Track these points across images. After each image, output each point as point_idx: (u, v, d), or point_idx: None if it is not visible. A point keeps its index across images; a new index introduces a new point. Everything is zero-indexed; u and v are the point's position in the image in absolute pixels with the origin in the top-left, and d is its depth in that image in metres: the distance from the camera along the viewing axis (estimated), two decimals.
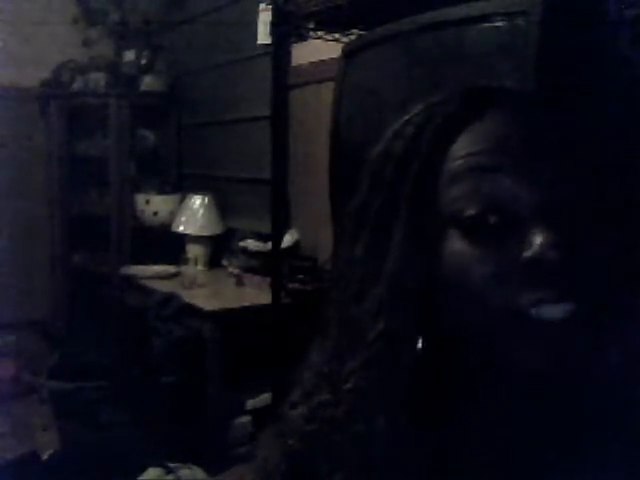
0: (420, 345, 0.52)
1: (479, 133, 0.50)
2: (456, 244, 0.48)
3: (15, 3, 3.41)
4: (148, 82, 3.55)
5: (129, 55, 3.61)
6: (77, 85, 3.55)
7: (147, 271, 3.00)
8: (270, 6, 1.71)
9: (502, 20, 0.87)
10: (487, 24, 0.89)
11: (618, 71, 0.79)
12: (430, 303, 0.50)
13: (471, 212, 0.48)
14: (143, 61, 3.59)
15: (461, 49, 0.93)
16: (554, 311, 0.45)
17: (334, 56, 1.52)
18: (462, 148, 0.50)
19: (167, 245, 3.20)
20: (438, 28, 0.98)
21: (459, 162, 0.49)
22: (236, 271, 2.74)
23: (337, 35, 1.61)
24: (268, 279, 1.82)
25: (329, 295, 0.56)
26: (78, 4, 3.63)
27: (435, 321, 0.50)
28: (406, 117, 0.55)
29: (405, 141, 0.53)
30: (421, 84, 0.99)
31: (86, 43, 3.68)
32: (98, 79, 3.51)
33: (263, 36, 2.69)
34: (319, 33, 1.63)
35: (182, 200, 3.24)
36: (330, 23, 1.57)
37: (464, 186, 0.48)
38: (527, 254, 0.45)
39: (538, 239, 0.45)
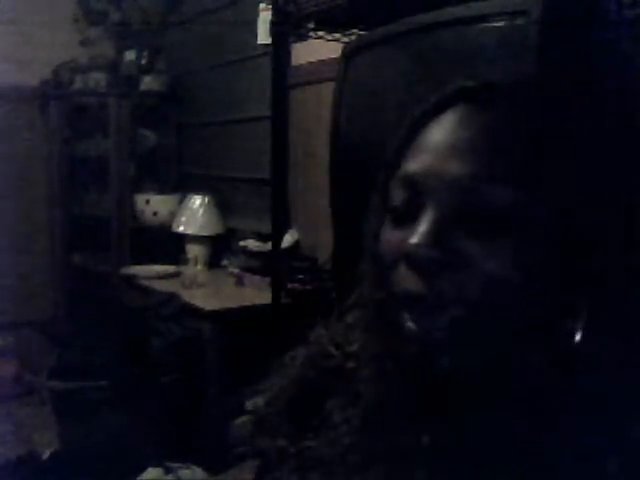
0: None
1: (422, 135, 0.54)
2: (385, 228, 0.54)
3: (15, 3, 3.41)
4: (148, 82, 3.55)
5: (129, 55, 3.61)
6: (77, 85, 3.55)
7: (147, 271, 3.00)
8: (270, 6, 1.71)
9: (502, 20, 0.87)
10: (487, 24, 0.89)
11: (618, 71, 0.79)
12: None
13: (394, 202, 0.53)
14: (143, 61, 3.59)
15: (461, 49, 0.93)
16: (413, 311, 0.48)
17: (334, 56, 1.52)
18: (412, 147, 0.54)
19: (167, 245, 3.20)
20: (438, 28, 0.98)
21: (404, 157, 0.54)
22: (236, 271, 2.74)
23: (337, 35, 1.61)
24: (268, 279, 1.83)
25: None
26: (78, 4, 3.63)
27: None
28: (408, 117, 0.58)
29: (394, 142, 0.57)
30: (421, 84, 0.99)
31: (86, 43, 3.68)
32: (98, 79, 3.51)
33: (263, 36, 2.69)
34: (319, 33, 1.63)
35: (182, 200, 3.24)
36: (330, 23, 1.57)
37: (396, 178, 0.54)
38: (404, 245, 0.49)
39: (415, 233, 0.48)
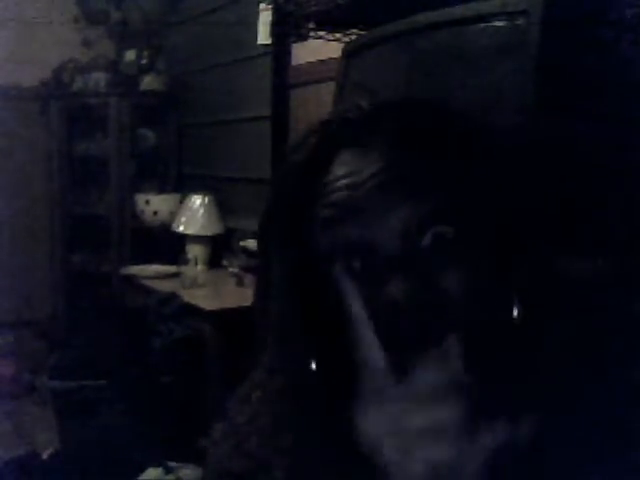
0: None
1: (331, 181, 0.50)
2: (328, 291, 0.49)
3: (15, 3, 3.41)
4: (148, 82, 3.55)
5: (129, 55, 3.61)
6: (77, 85, 3.55)
7: (147, 271, 3.00)
8: (270, 6, 1.71)
9: (502, 20, 0.87)
10: (487, 24, 0.89)
11: (619, 72, 0.79)
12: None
13: (335, 260, 0.49)
14: (143, 61, 3.59)
15: (461, 49, 0.93)
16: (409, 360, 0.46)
17: (334, 56, 1.52)
18: (320, 198, 0.50)
19: (167, 245, 3.20)
20: (438, 28, 0.98)
21: (322, 209, 0.50)
22: (236, 271, 2.74)
23: (337, 35, 1.61)
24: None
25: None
26: (78, 4, 3.64)
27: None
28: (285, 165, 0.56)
29: (272, 192, 0.55)
30: (421, 84, 0.99)
31: (86, 43, 3.68)
32: (98, 79, 3.51)
33: (263, 36, 2.69)
34: (319, 33, 1.63)
35: (182, 200, 3.24)
36: (330, 23, 1.57)
37: (325, 235, 0.49)
38: (383, 300, 0.46)
39: (392, 286, 0.45)
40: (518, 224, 0.50)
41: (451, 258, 0.47)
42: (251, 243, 2.72)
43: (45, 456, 2.37)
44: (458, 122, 0.52)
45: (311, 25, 1.59)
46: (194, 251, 3.09)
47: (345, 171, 0.50)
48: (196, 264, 3.05)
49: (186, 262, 3.07)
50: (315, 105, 2.41)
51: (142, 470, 2.11)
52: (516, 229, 0.50)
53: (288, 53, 2.46)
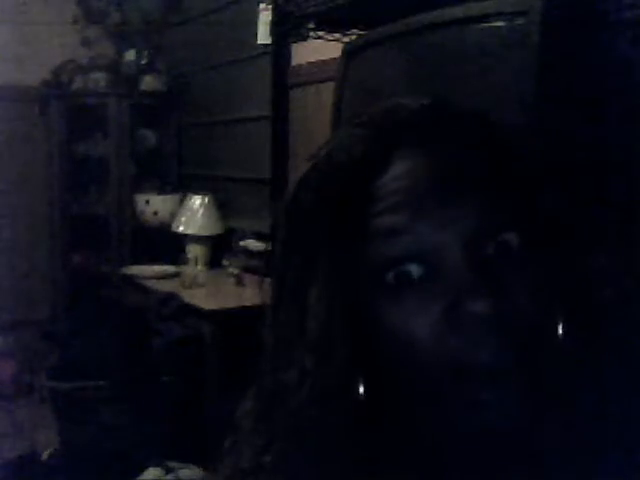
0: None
1: (388, 183, 0.47)
2: (383, 303, 0.46)
3: (15, 3, 3.41)
4: (148, 82, 3.55)
5: (129, 55, 3.61)
6: (77, 85, 3.55)
7: (147, 271, 3.00)
8: (270, 6, 1.71)
9: (502, 20, 0.87)
10: (487, 24, 0.89)
11: (619, 72, 0.79)
12: (369, 362, 0.48)
13: (395, 268, 0.45)
14: (143, 61, 3.59)
15: (461, 49, 0.94)
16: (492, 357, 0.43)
17: (334, 56, 1.52)
18: (375, 201, 0.47)
19: (167, 245, 3.20)
20: (438, 28, 0.98)
21: (374, 217, 0.46)
22: (236, 271, 2.74)
23: (337, 35, 1.61)
24: (268, 279, 1.83)
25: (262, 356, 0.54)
26: (78, 4, 3.63)
27: (377, 380, 0.48)
28: (311, 164, 0.53)
29: (313, 193, 0.50)
30: (421, 84, 0.99)
31: (86, 43, 3.68)
32: (98, 79, 3.51)
33: (263, 36, 2.69)
34: (319, 33, 1.63)
35: (182, 200, 3.24)
36: (330, 23, 1.57)
37: (383, 242, 0.46)
38: (458, 309, 0.43)
39: (465, 292, 0.43)
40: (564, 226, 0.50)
41: (516, 267, 0.45)
42: (251, 243, 2.72)
43: (45, 456, 2.37)
44: (502, 129, 0.51)
45: (311, 25, 1.59)
46: (194, 251, 3.09)
47: (403, 172, 0.47)
48: (196, 264, 3.05)
49: (186, 262, 3.07)
50: (315, 105, 2.41)
51: (142, 470, 2.11)
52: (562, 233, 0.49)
53: (288, 53, 2.46)
